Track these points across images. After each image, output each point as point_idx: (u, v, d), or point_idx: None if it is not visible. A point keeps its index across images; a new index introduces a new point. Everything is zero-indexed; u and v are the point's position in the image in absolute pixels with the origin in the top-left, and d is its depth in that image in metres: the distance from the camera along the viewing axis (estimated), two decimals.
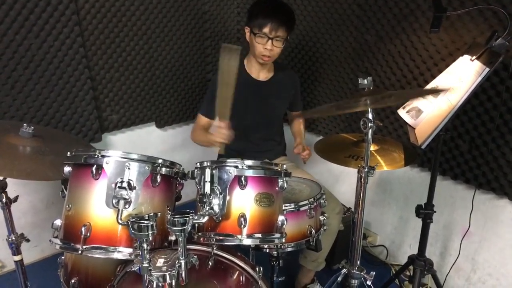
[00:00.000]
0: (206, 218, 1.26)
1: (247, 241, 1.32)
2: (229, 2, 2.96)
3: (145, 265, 1.08)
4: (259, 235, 1.33)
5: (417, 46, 2.05)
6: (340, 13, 2.39)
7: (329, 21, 2.47)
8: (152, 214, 1.09)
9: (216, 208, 1.29)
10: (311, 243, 1.66)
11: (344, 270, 1.60)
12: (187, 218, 1.11)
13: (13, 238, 1.63)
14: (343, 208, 2.27)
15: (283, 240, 1.39)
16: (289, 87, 2.24)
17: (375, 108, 1.37)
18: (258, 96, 2.16)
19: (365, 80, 1.38)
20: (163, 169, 1.29)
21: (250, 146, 2.25)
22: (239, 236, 1.30)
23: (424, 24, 2.00)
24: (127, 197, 1.20)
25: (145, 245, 1.07)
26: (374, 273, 1.55)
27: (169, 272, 1.09)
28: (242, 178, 1.31)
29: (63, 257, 1.59)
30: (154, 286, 1.09)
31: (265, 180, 1.36)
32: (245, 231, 1.31)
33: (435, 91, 1.47)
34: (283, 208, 1.51)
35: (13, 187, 1.63)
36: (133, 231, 1.07)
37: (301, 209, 1.63)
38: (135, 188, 1.22)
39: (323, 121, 2.74)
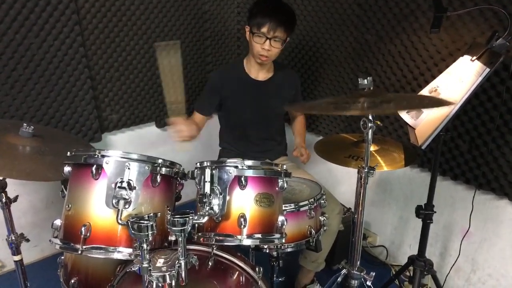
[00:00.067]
0: (206, 218, 1.26)
1: (247, 242, 1.31)
2: (229, 2, 2.95)
3: (145, 265, 1.08)
4: (259, 236, 1.33)
5: (418, 46, 2.05)
6: (341, 13, 2.39)
7: (329, 20, 2.46)
8: (152, 214, 1.09)
9: (216, 208, 1.29)
10: (311, 244, 1.66)
11: (344, 271, 1.60)
12: (187, 218, 1.11)
13: (13, 238, 1.63)
14: (343, 208, 2.27)
15: (283, 241, 1.39)
16: (289, 87, 2.24)
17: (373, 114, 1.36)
18: (256, 96, 2.15)
19: (365, 80, 1.38)
20: (163, 169, 1.29)
21: (250, 146, 2.25)
22: (239, 237, 1.30)
23: (424, 24, 1.99)
24: (127, 197, 1.20)
25: (145, 245, 1.07)
26: (374, 274, 1.55)
27: (169, 273, 1.09)
28: (242, 178, 1.31)
29: (63, 257, 1.59)
30: (154, 286, 1.09)
31: (265, 180, 1.36)
32: (245, 231, 1.30)
33: (439, 104, 1.43)
34: (283, 208, 1.51)
35: (13, 186, 1.63)
36: (133, 231, 1.06)
37: (301, 209, 1.63)
38: (135, 188, 1.21)
39: (323, 121, 2.74)
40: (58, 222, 1.26)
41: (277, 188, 1.39)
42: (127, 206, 1.20)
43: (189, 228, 1.12)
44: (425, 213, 1.83)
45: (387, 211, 2.56)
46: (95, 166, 1.21)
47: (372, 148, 1.72)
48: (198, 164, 1.38)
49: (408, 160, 1.70)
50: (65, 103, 2.36)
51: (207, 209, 1.27)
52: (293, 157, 2.18)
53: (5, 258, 2.40)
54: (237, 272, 1.43)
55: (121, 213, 1.18)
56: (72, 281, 1.50)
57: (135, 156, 1.24)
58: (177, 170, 1.35)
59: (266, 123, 2.24)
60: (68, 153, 1.27)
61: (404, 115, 1.72)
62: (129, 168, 1.21)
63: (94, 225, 1.20)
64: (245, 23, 2.04)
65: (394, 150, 1.76)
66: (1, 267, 2.43)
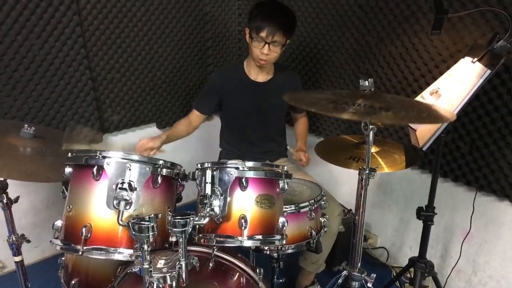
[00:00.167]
0: (207, 219, 1.26)
1: (248, 243, 1.32)
2: (230, 3, 2.96)
3: (146, 266, 1.08)
4: (260, 237, 1.33)
5: (418, 47, 2.05)
6: (341, 15, 2.39)
7: (330, 22, 2.47)
8: (152, 215, 1.09)
9: (216, 210, 1.29)
10: (311, 245, 1.66)
11: (344, 272, 1.60)
12: (188, 220, 1.11)
13: (14, 238, 1.63)
14: (344, 209, 2.27)
15: (284, 242, 1.39)
16: (289, 88, 2.24)
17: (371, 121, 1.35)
18: (256, 97, 2.16)
19: (366, 82, 1.38)
20: (164, 170, 1.29)
21: (250, 147, 2.26)
22: (239, 238, 1.30)
23: (425, 25, 2.00)
24: (128, 198, 1.20)
25: (145, 246, 1.07)
26: (374, 275, 1.54)
27: (169, 274, 1.09)
28: (243, 180, 1.31)
29: (63, 258, 1.59)
30: (155, 287, 1.09)
31: (266, 181, 1.36)
32: (245, 232, 1.30)
33: (437, 120, 1.40)
34: (284, 209, 1.51)
35: (14, 187, 1.64)
36: (133, 232, 1.06)
37: (302, 210, 1.62)
38: (136, 189, 1.22)
39: (324, 122, 2.74)
40: (59, 223, 1.26)
41: (277, 190, 1.39)
42: (128, 207, 1.20)
43: (190, 229, 1.12)
44: (426, 214, 1.83)
45: (387, 212, 2.56)
46: (96, 167, 1.21)
47: (373, 149, 1.72)
48: (199, 165, 1.38)
49: (409, 161, 1.70)
50: (66, 104, 2.36)
51: (208, 210, 1.28)
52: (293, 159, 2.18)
53: (5, 259, 2.40)
54: (237, 273, 1.42)
55: (122, 214, 1.18)
56: (73, 282, 1.50)
57: (136, 157, 1.24)
58: (178, 171, 1.35)
59: (266, 125, 2.24)
60: (69, 154, 1.28)
61: None
62: (130, 169, 1.22)
63: (95, 226, 1.20)
64: (246, 25, 2.04)
65: (395, 151, 1.76)
66: (2, 268, 2.43)
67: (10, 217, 1.61)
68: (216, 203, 1.30)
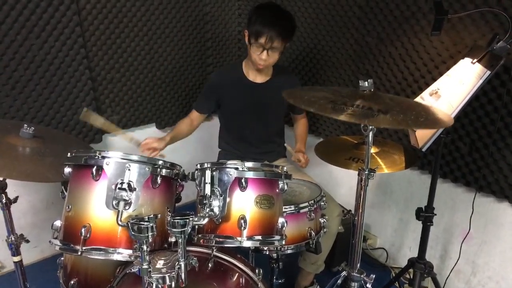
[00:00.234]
0: (206, 220, 1.26)
1: (247, 243, 1.31)
2: (230, 4, 2.96)
3: (145, 266, 1.08)
4: (259, 237, 1.33)
5: (418, 48, 2.05)
6: (341, 15, 2.39)
7: (330, 23, 2.47)
8: (152, 215, 1.09)
9: (216, 210, 1.29)
10: (311, 246, 1.66)
11: (344, 273, 1.60)
12: (187, 220, 1.11)
13: (13, 238, 1.63)
14: (343, 210, 2.27)
15: (283, 242, 1.39)
16: (288, 89, 2.23)
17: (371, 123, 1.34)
18: (254, 98, 2.16)
19: (366, 82, 1.38)
20: (163, 170, 1.29)
21: (249, 147, 2.26)
22: (239, 238, 1.30)
23: (425, 26, 2.00)
24: (127, 198, 1.19)
25: (144, 247, 1.06)
26: (374, 276, 1.54)
27: (168, 274, 1.08)
28: (243, 180, 1.31)
29: (62, 258, 1.59)
30: (154, 287, 1.09)
31: (266, 182, 1.36)
32: (245, 233, 1.30)
33: (434, 125, 1.39)
34: (283, 210, 1.50)
35: (13, 187, 1.63)
36: (133, 233, 1.06)
37: (301, 211, 1.62)
38: (135, 189, 1.21)
39: (324, 123, 2.74)
40: (58, 223, 1.26)
41: (277, 190, 1.39)
42: (127, 208, 1.20)
43: (189, 229, 1.12)
44: (425, 215, 1.83)
45: (387, 213, 2.56)
46: (95, 167, 1.21)
47: (373, 150, 1.72)
48: (198, 165, 1.38)
49: (409, 162, 1.71)
50: (66, 104, 2.36)
51: (207, 211, 1.27)
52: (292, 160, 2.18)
53: (4, 259, 2.40)
54: (237, 274, 1.42)
55: (121, 215, 1.18)
56: (72, 282, 1.50)
57: (135, 157, 1.24)
58: (177, 171, 1.35)
59: (264, 125, 2.24)
60: (69, 154, 1.28)
61: None
62: (129, 169, 1.21)
63: (94, 226, 1.20)
64: (246, 25, 2.04)
65: (395, 152, 1.76)
66: (1, 268, 2.43)
67: (9, 217, 1.61)
68: (216, 204, 1.29)
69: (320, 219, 1.72)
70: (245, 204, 1.33)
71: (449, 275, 2.16)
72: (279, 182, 1.39)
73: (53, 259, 2.11)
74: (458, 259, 2.10)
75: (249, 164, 1.33)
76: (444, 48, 1.95)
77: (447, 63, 1.94)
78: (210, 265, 1.39)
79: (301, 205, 1.62)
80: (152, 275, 1.07)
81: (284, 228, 1.38)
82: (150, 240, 1.07)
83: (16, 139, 1.51)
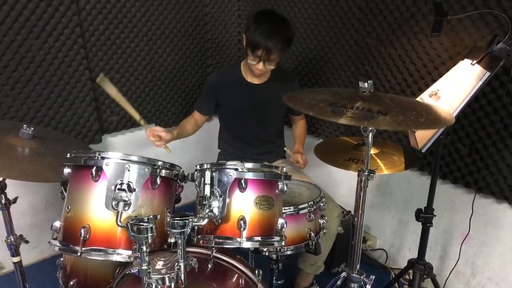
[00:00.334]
0: (206, 220, 1.26)
1: (247, 244, 1.31)
2: (230, 4, 2.96)
3: (144, 267, 1.07)
4: (259, 238, 1.33)
5: (418, 49, 2.06)
6: (341, 16, 2.39)
7: (330, 24, 2.47)
8: (151, 216, 1.09)
9: (215, 211, 1.29)
10: (310, 247, 1.66)
11: (343, 274, 1.59)
12: (187, 221, 1.11)
13: (12, 239, 1.63)
14: (343, 211, 2.27)
15: (283, 243, 1.39)
16: (286, 90, 2.22)
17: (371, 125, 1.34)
18: (253, 98, 2.16)
19: (366, 84, 1.38)
20: (163, 171, 1.29)
21: (248, 148, 2.26)
22: (238, 239, 1.30)
23: (425, 27, 2.00)
24: (126, 199, 1.19)
25: (144, 248, 1.06)
26: (373, 277, 1.54)
27: (168, 275, 1.08)
28: (242, 181, 1.31)
29: (62, 259, 1.59)
30: None
31: (265, 183, 1.36)
32: (244, 234, 1.30)
33: (435, 124, 1.39)
34: (283, 211, 1.50)
35: (13, 187, 1.63)
36: (132, 233, 1.06)
37: (301, 212, 1.62)
38: (134, 190, 1.21)
39: (323, 124, 2.74)
40: (57, 223, 1.26)
41: (277, 191, 1.39)
42: (126, 208, 1.20)
43: (189, 230, 1.12)
44: (425, 216, 1.83)
45: (387, 214, 2.56)
46: (95, 168, 1.21)
47: (372, 151, 1.72)
48: (198, 166, 1.38)
49: (408, 163, 1.70)
50: (66, 104, 2.36)
51: (206, 212, 1.27)
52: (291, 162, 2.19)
53: (4, 260, 2.40)
54: (236, 275, 1.42)
55: (121, 215, 1.18)
56: (71, 283, 1.50)
57: (135, 158, 1.24)
58: (177, 172, 1.35)
59: (263, 126, 2.24)
60: (68, 154, 1.27)
61: None
62: (129, 170, 1.21)
63: (93, 227, 1.20)
64: (244, 30, 2.04)
65: (394, 153, 1.76)
66: (0, 269, 2.42)
67: (8, 217, 1.61)
68: (215, 204, 1.29)
69: (319, 220, 1.72)
70: (244, 205, 1.32)
71: (448, 276, 2.16)
72: (279, 183, 1.39)
73: (52, 259, 2.11)
74: (457, 260, 2.10)
75: (249, 165, 1.33)
76: (444, 49, 1.95)
77: (446, 64, 1.94)
78: (209, 266, 1.39)
79: (301, 206, 1.62)
80: (152, 276, 1.07)
81: (283, 229, 1.38)
82: (150, 241, 1.07)
83: (15, 139, 1.51)
